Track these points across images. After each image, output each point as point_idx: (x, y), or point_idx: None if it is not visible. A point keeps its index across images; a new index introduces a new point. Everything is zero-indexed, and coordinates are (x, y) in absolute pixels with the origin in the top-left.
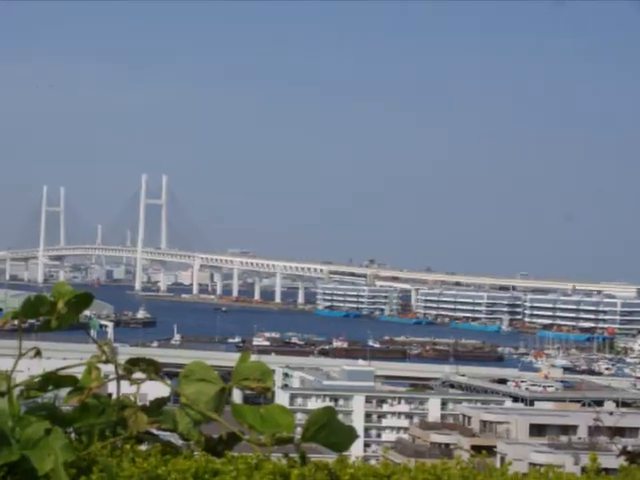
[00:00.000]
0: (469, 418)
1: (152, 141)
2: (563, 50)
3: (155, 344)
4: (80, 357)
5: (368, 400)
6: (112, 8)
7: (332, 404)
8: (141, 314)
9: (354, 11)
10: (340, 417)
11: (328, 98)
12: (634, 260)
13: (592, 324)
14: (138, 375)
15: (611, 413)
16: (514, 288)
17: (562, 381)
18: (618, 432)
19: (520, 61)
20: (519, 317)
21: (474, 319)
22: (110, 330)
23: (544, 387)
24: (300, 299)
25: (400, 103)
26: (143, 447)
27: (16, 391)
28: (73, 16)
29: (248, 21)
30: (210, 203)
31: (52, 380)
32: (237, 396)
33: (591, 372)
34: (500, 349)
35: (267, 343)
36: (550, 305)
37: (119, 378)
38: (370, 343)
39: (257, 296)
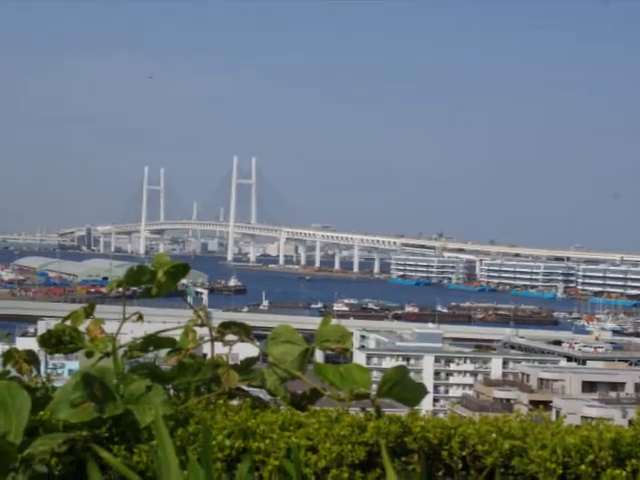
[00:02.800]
0: (528, 376)
1: (242, 127)
2: (611, 42)
3: (245, 309)
4: (178, 321)
5: (437, 360)
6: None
7: (404, 363)
8: (233, 282)
9: (430, 10)
10: (411, 375)
11: (399, 89)
12: None
13: (638, 291)
14: (230, 337)
15: None
16: (568, 259)
17: (611, 342)
18: None
19: (571, 53)
20: (573, 285)
21: (532, 287)
22: (205, 297)
23: (595, 348)
24: (376, 269)
25: (463, 94)
26: (234, 402)
27: (120, 352)
28: (171, 17)
29: (328, 20)
30: (295, 182)
31: (153, 342)
32: (319, 356)
33: (637, 334)
34: (555, 314)
35: (346, 308)
36: (601, 274)
37: (213, 340)
38: (438, 308)
39: (337, 266)
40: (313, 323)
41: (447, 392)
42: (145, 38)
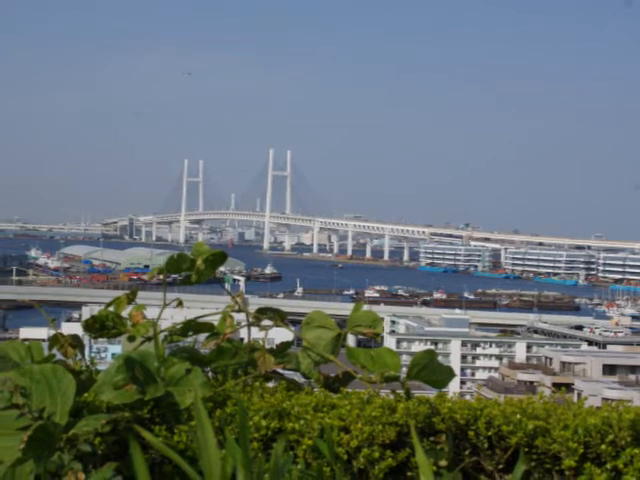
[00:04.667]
0: (550, 359)
1: (278, 121)
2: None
3: (281, 295)
4: (216, 307)
5: (464, 344)
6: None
7: (433, 347)
8: (269, 270)
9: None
10: (439, 358)
11: (431, 83)
12: None
13: None
14: (266, 322)
15: None
16: (589, 247)
17: (630, 327)
18: None
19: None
20: (593, 272)
21: (555, 274)
22: (242, 284)
23: (615, 332)
24: (405, 257)
25: (491, 88)
26: (270, 384)
27: (161, 336)
28: (207, 15)
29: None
30: (328, 175)
31: (192, 327)
32: (351, 340)
33: None
34: (577, 300)
35: (377, 295)
36: (620, 262)
37: (250, 325)
38: (465, 295)
39: (368, 254)
40: (345, 309)
41: (473, 375)
42: (185, 36)
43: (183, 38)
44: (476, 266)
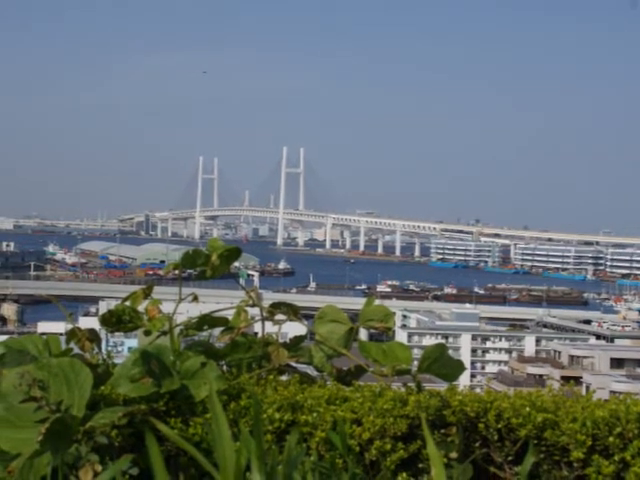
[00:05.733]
0: (559, 353)
1: (291, 118)
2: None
3: (294, 290)
4: (231, 301)
5: (474, 338)
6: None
7: (443, 341)
8: (282, 265)
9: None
10: (450, 352)
11: (435, 78)
12: None
13: None
14: (280, 317)
15: None
16: (597, 243)
17: (638, 322)
18: None
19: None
20: (601, 268)
21: (563, 269)
22: (256, 279)
23: (622, 327)
24: (416, 252)
25: (500, 86)
26: (284, 377)
27: (177, 330)
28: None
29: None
30: (340, 171)
31: (207, 321)
32: (363, 334)
33: None
34: (585, 295)
35: (389, 290)
36: (628, 258)
37: (263, 319)
38: (475, 290)
39: (380, 250)
40: (357, 303)
41: (483, 368)
42: (200, 35)
43: (197, 39)
44: (486, 261)
